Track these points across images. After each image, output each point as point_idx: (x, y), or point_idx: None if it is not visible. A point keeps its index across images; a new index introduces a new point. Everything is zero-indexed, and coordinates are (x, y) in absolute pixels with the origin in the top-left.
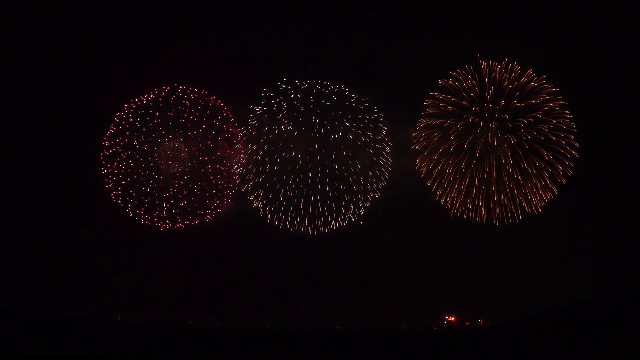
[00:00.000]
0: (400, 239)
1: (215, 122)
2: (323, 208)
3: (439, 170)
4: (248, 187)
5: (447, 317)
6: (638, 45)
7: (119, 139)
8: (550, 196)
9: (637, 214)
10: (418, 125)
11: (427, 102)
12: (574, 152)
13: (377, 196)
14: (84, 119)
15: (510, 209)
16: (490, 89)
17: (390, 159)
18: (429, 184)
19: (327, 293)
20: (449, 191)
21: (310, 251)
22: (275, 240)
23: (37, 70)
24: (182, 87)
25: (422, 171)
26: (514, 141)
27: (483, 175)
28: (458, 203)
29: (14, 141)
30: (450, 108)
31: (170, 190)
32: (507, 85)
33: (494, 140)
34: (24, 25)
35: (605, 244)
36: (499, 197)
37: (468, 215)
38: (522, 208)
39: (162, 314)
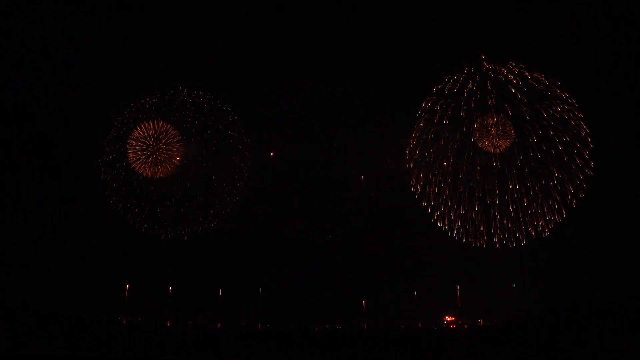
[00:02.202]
0: (400, 239)
1: (220, 127)
2: (323, 214)
3: (434, 191)
4: (251, 192)
5: (447, 317)
6: None
7: (119, 144)
8: (558, 219)
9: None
10: (412, 141)
11: (420, 114)
12: (588, 170)
13: (377, 199)
14: (83, 123)
15: (515, 234)
16: (493, 93)
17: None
18: (424, 204)
19: (327, 293)
20: (447, 212)
21: (310, 252)
22: (276, 241)
23: (36, 72)
24: (186, 91)
25: (418, 190)
26: (519, 163)
27: (485, 200)
28: (456, 226)
29: (13, 145)
30: (446, 120)
31: (172, 198)
32: (513, 90)
33: (497, 160)
34: (22, 28)
35: (605, 244)
36: (502, 222)
37: (467, 239)
38: (527, 232)
39: (162, 314)
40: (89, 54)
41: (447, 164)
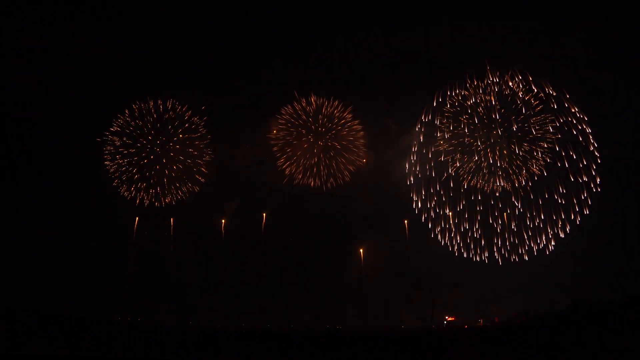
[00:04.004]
0: (400, 239)
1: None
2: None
3: (435, 207)
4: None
5: (447, 317)
6: None
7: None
8: (562, 235)
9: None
10: (412, 156)
11: (419, 127)
12: (594, 186)
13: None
14: (85, 126)
15: (517, 249)
16: (497, 103)
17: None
18: (424, 218)
19: (327, 293)
20: (446, 226)
21: (309, 251)
22: (276, 241)
23: (36, 72)
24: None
25: (418, 205)
26: (522, 180)
27: (487, 214)
28: (456, 242)
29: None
30: (447, 134)
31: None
32: (517, 100)
33: (499, 180)
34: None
35: (606, 244)
36: (504, 237)
37: (468, 254)
38: (530, 247)
39: (163, 314)
40: (89, 54)
41: (448, 177)
